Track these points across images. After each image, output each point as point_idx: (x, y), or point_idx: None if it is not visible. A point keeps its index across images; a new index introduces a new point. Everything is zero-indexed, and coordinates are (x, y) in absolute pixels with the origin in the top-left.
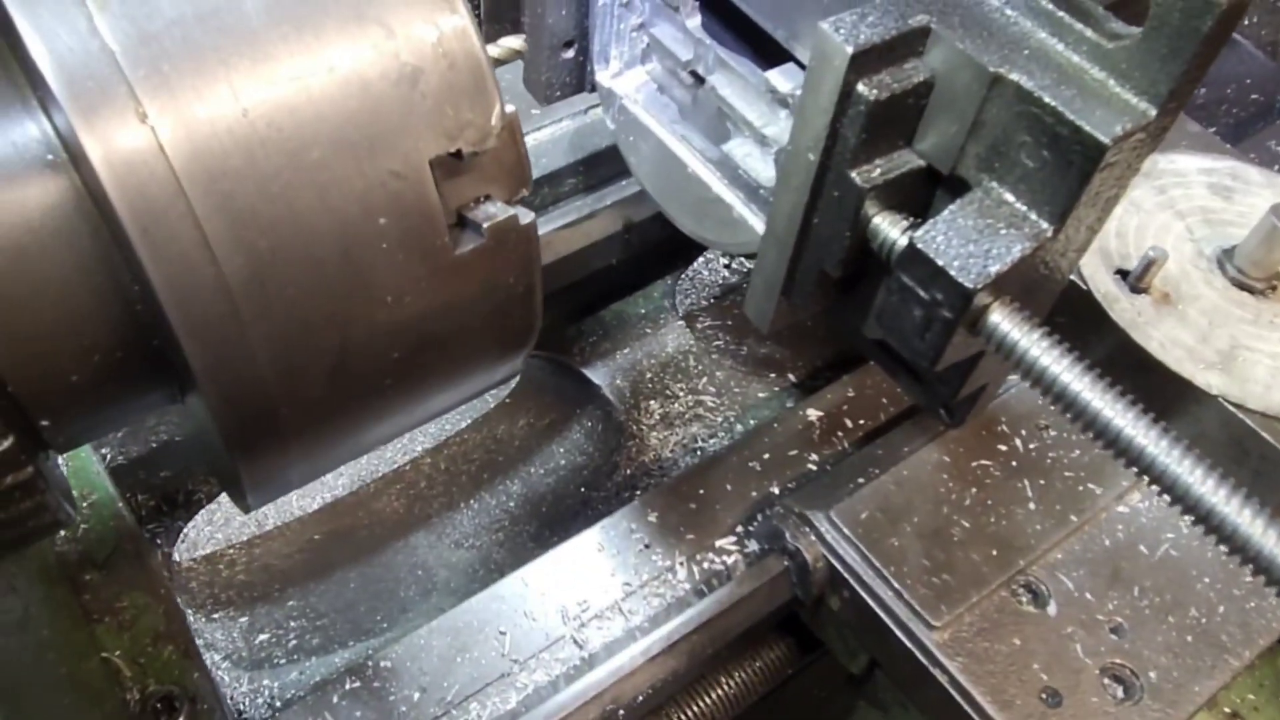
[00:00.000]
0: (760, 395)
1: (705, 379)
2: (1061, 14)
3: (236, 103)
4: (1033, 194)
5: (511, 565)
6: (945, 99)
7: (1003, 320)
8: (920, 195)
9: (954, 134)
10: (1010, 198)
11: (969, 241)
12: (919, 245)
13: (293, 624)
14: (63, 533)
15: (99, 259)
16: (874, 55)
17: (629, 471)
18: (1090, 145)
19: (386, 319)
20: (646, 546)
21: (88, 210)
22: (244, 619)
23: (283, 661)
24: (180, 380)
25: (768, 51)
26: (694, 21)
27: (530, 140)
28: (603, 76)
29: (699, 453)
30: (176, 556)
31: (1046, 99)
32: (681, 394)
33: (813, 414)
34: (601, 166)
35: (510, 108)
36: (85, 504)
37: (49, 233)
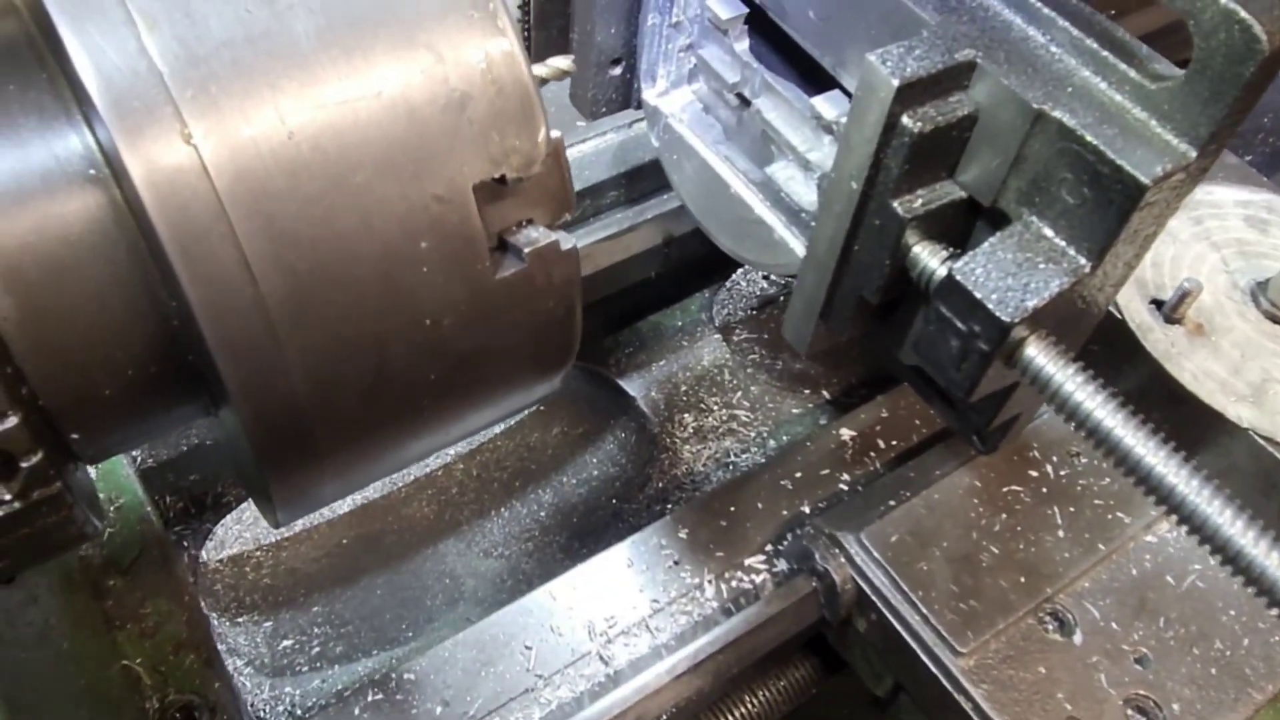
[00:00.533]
0: (794, 411)
1: (739, 393)
2: (1106, 53)
3: (282, 125)
4: (1072, 230)
5: (540, 576)
6: (988, 133)
7: (1039, 354)
8: (960, 226)
9: (996, 167)
10: (1050, 232)
11: (1007, 275)
12: (958, 277)
13: (317, 630)
14: None
15: (136, 273)
16: (919, 88)
17: (661, 484)
18: (1130, 184)
19: (424, 340)
20: (676, 563)
21: (127, 225)
22: (268, 624)
23: (305, 669)
24: (213, 395)
25: (814, 76)
26: (742, 45)
27: (573, 153)
28: (649, 95)
29: (731, 467)
30: (204, 557)
31: (1088, 137)
32: (715, 408)
33: (846, 433)
34: (643, 180)
35: (556, 133)
36: (113, 508)
37: (87, 247)
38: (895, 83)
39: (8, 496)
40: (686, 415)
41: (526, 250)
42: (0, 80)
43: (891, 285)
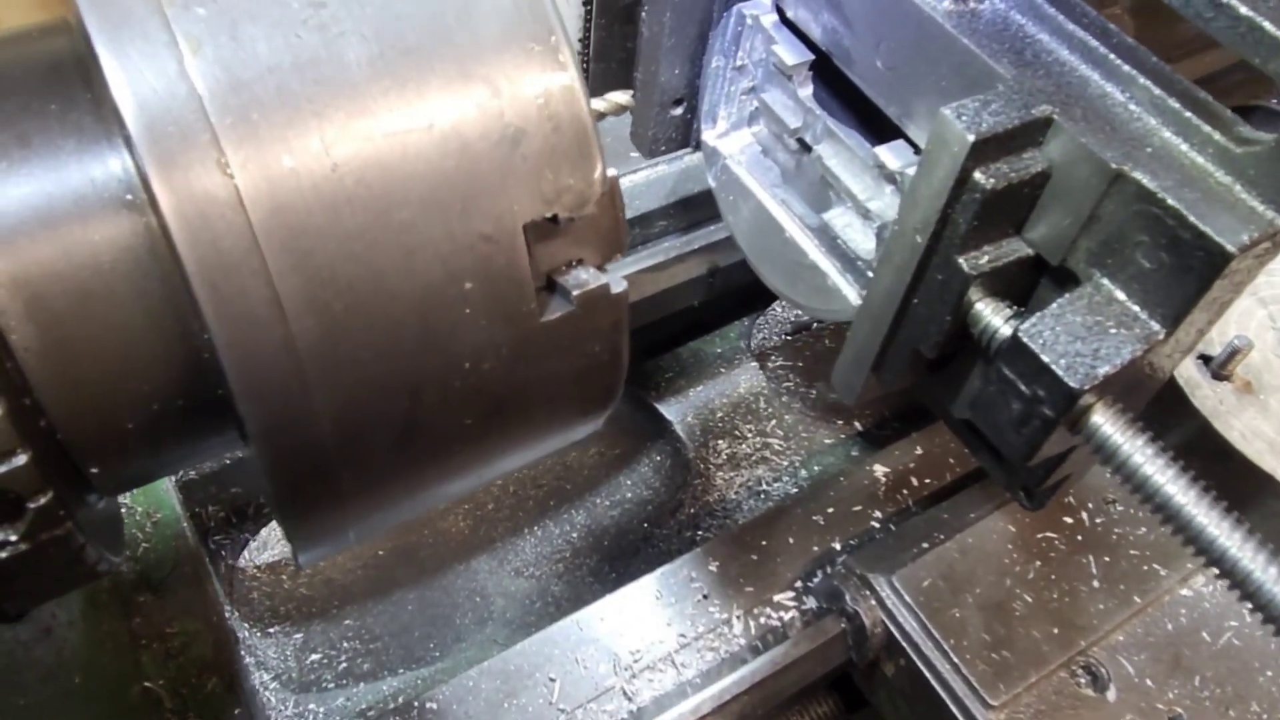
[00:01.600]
0: (826, 441)
1: (774, 421)
2: (1189, 114)
3: (327, 157)
4: (1146, 294)
5: (569, 599)
6: (1061, 190)
7: (1105, 422)
8: (1024, 282)
9: (1067, 226)
10: (1121, 296)
11: (1076, 339)
12: (1024, 338)
13: (346, 645)
14: None
15: (168, 304)
16: (994, 144)
17: (692, 510)
18: (1214, 252)
19: (462, 385)
20: (705, 597)
21: (160, 254)
22: (299, 635)
23: (331, 686)
24: (242, 429)
25: (877, 123)
26: (805, 91)
27: (625, 183)
28: (709, 135)
29: (763, 495)
30: (243, 562)
31: (1169, 200)
32: (750, 435)
33: (879, 470)
34: (692, 210)
35: (612, 171)
36: (150, 522)
37: (119, 276)
38: (970, 138)
39: (14, 538)
40: (721, 441)
41: (575, 293)
42: (42, 99)
43: (949, 341)
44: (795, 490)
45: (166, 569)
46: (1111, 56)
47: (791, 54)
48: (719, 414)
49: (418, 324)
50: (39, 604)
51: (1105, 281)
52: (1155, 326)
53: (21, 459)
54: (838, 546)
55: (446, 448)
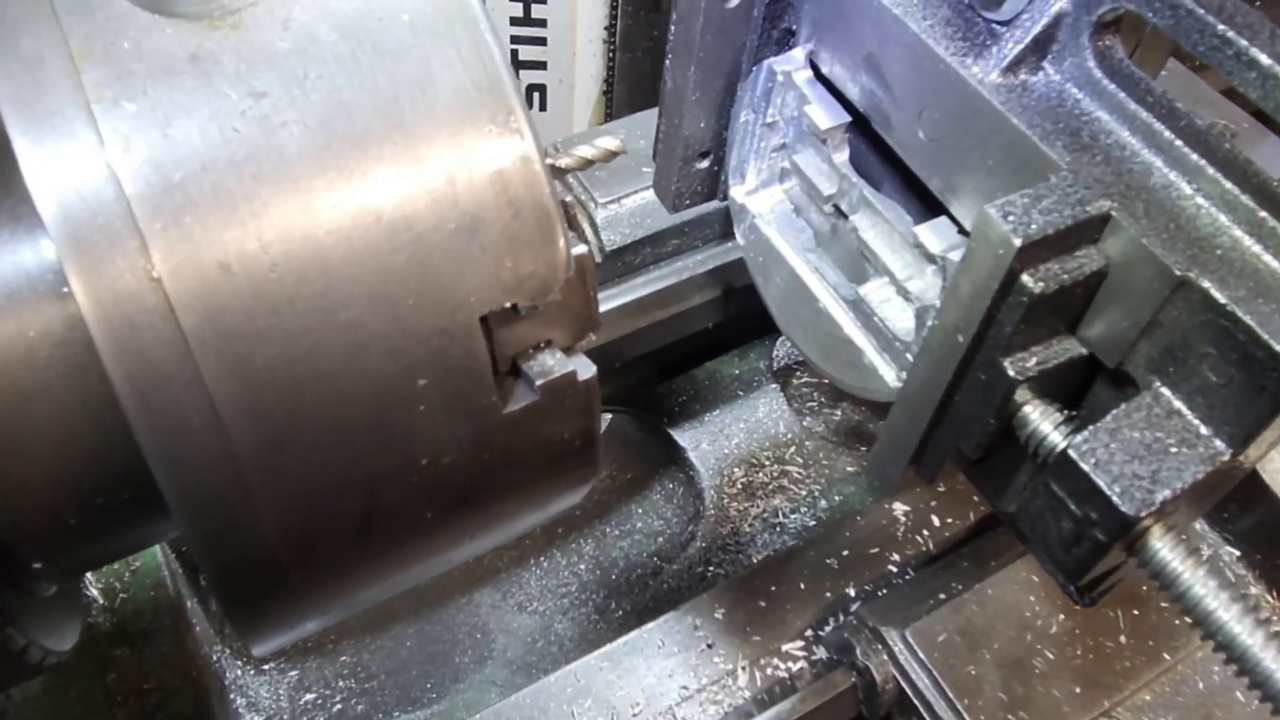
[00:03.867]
0: (848, 469)
1: (793, 448)
2: (1263, 213)
3: (265, 256)
4: (1211, 410)
5: (572, 639)
6: (1120, 291)
7: (1164, 548)
8: (1077, 379)
9: (1125, 329)
10: (1184, 409)
11: (1134, 458)
12: (1075, 456)
13: (341, 684)
14: (100, 602)
15: (107, 399)
16: (1044, 245)
17: (704, 544)
18: None
19: (421, 481)
20: (709, 646)
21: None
22: (293, 673)
23: None
24: None
25: (919, 188)
26: (841, 156)
27: (636, 200)
28: (737, 192)
29: (779, 528)
30: None
31: (1240, 314)
32: (767, 462)
33: (899, 509)
34: (704, 229)
35: (580, 249)
36: (128, 571)
37: (56, 373)
38: (1017, 242)
39: None
40: (737, 469)
41: (539, 382)
42: None
43: (993, 442)
44: (813, 523)
45: (145, 620)
46: (1178, 143)
47: (826, 116)
48: (735, 440)
49: (370, 423)
50: None
51: (1165, 391)
52: (1220, 446)
53: None
54: (852, 592)
55: (410, 540)
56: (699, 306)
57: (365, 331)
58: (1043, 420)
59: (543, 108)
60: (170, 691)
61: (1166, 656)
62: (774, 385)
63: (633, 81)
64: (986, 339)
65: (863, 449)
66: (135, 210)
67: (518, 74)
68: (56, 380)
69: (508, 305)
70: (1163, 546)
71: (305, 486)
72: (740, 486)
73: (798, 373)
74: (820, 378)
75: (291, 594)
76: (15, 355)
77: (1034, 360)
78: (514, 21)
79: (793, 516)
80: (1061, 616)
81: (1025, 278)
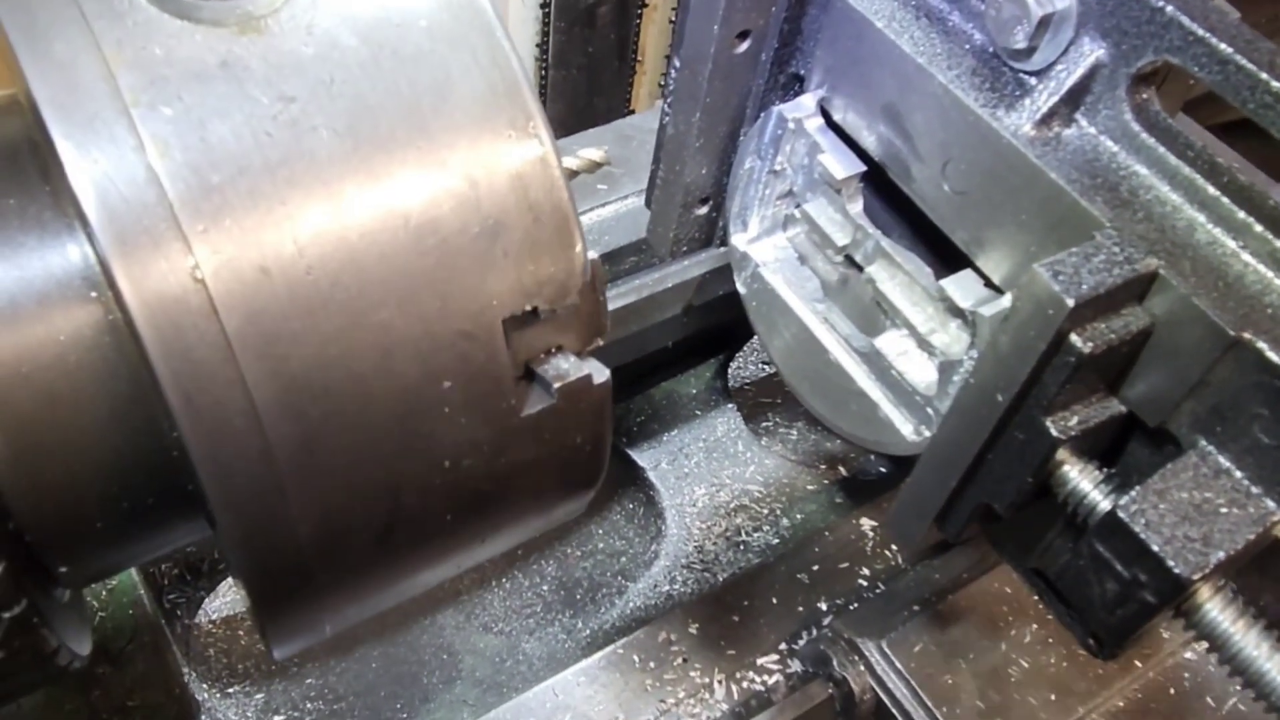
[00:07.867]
0: (809, 488)
1: (753, 467)
2: None
3: (301, 260)
4: (1262, 470)
5: (541, 658)
6: (1166, 350)
7: (1217, 610)
8: (1112, 437)
9: (1171, 388)
10: (1233, 468)
11: (1184, 519)
12: (1124, 518)
13: (310, 705)
14: None
15: (135, 402)
16: (1094, 305)
17: (668, 563)
18: None
19: (442, 483)
20: (684, 660)
21: (127, 351)
22: (260, 695)
23: None
24: (212, 520)
25: (935, 236)
26: (856, 207)
27: (593, 216)
28: (738, 240)
29: (742, 546)
30: (199, 619)
31: None
32: (728, 481)
33: (866, 524)
34: None
35: (593, 255)
36: (104, 590)
37: (86, 376)
38: (1070, 303)
39: None
40: (698, 489)
41: (556, 386)
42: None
43: (1027, 501)
44: (776, 541)
45: (125, 638)
46: (1223, 199)
47: (841, 166)
48: (694, 459)
49: (397, 426)
50: (6, 705)
51: (1212, 450)
52: (1272, 505)
53: None
54: (824, 606)
55: (427, 543)
56: (659, 325)
57: (394, 334)
58: (1082, 479)
59: None
60: (153, 708)
61: (1139, 664)
62: (731, 405)
63: (566, 100)
64: (1028, 398)
65: (822, 467)
66: (178, 213)
67: None
68: (86, 383)
69: (528, 309)
70: (1215, 609)
71: (336, 488)
72: (702, 505)
73: (750, 390)
74: (775, 396)
75: (316, 594)
76: (46, 359)
77: (1075, 419)
78: None
79: (755, 535)
80: (1035, 625)
81: (1074, 338)
